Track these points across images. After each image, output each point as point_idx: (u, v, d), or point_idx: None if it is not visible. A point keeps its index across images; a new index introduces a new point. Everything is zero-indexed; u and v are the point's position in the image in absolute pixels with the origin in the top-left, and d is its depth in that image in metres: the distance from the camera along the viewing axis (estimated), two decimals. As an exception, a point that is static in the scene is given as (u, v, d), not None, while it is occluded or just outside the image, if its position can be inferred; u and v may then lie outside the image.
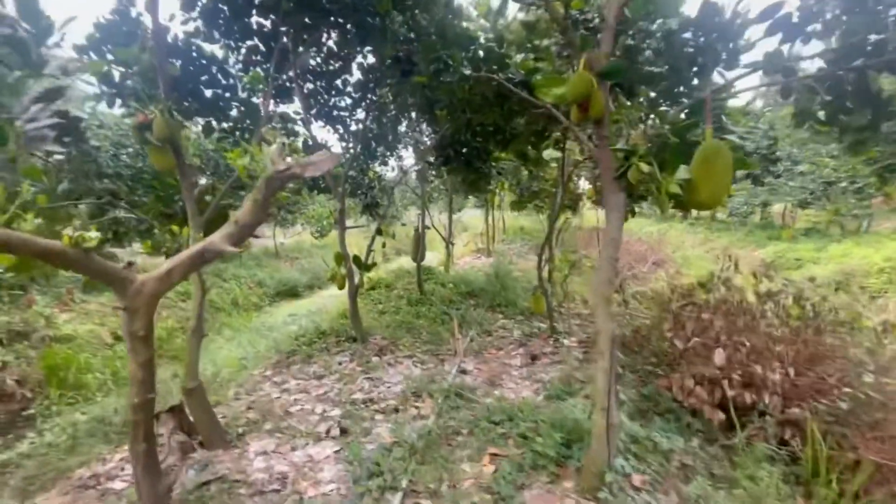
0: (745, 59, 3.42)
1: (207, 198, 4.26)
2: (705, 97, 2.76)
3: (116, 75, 4.04)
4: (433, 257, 15.65)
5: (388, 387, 4.67)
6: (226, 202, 4.49)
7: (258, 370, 5.73)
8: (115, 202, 8.18)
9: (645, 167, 2.56)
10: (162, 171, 3.55)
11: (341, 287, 5.71)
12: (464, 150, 6.37)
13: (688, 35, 3.59)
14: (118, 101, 4.16)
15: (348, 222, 6.72)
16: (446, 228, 11.53)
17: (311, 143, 6.24)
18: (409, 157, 10.56)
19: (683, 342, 3.72)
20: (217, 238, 1.58)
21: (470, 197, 17.31)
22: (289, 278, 13.86)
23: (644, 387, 3.94)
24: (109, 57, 3.98)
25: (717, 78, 3.59)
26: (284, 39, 4.78)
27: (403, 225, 10.40)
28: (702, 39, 3.53)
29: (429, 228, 7.99)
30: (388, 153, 8.87)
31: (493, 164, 6.47)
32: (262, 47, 5.20)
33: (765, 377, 3.33)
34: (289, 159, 1.58)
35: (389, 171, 10.08)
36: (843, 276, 9.96)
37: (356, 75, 6.55)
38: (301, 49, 5.05)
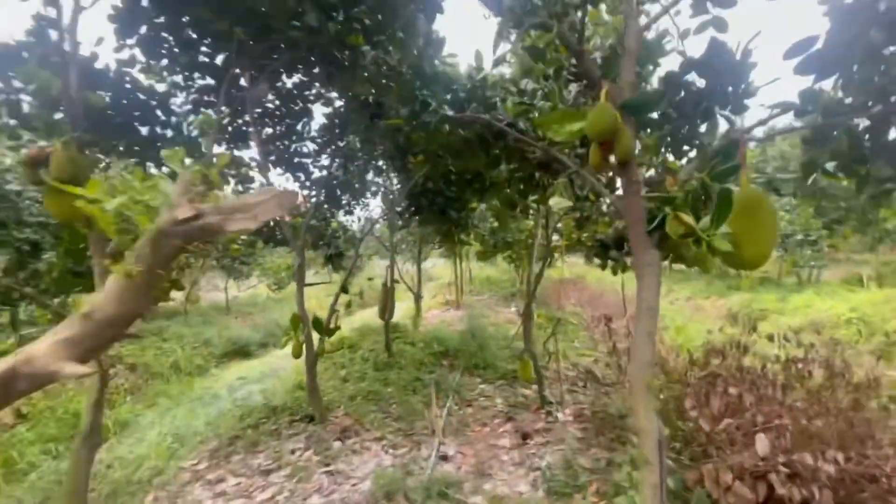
0: (757, 100, 3.12)
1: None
2: (740, 138, 2.35)
3: (25, 107, 3.30)
4: (400, 309, 14.76)
5: (354, 484, 3.75)
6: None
7: (190, 461, 4.62)
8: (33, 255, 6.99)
9: (687, 218, 2.05)
10: (62, 220, 2.73)
11: (297, 355, 4.83)
12: (437, 199, 5.86)
13: (690, 77, 3.28)
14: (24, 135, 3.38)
15: (310, 276, 5.95)
16: (414, 280, 10.83)
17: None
18: (377, 205, 9.95)
19: (710, 423, 3.12)
20: (43, 352, 0.82)
21: (437, 246, 16.83)
22: (239, 336, 12.56)
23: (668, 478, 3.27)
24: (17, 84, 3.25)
25: (723, 122, 3.26)
26: (237, 71, 4.18)
27: (370, 279, 9.57)
28: (707, 81, 3.22)
29: (398, 282, 7.28)
30: (354, 201, 8.26)
31: (469, 213, 5.96)
32: (214, 84, 4.58)
33: (816, 468, 2.75)
34: (204, 206, 0.90)
35: (355, 221, 9.44)
36: (812, 326, 9.94)
37: (319, 119, 6.04)
38: (256, 83, 4.45)
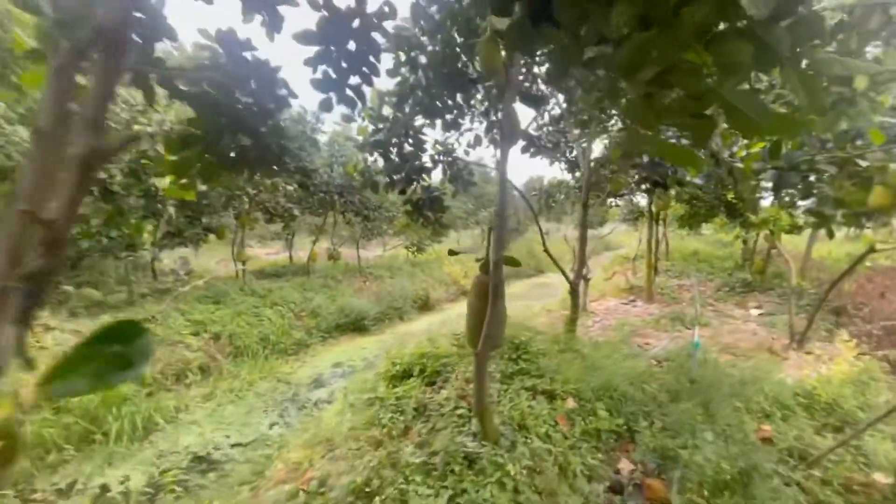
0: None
1: None
2: None
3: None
4: (549, 290, 10.27)
5: None
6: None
7: None
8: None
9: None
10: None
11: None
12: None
13: None
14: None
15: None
16: (576, 253, 6.23)
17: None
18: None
19: None
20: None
21: (616, 202, 11.49)
22: (354, 307, 10.00)
23: None
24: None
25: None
26: None
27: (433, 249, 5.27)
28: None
29: (506, 263, 2.91)
30: (461, 99, 4.07)
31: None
32: None
33: None
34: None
35: (461, 143, 5.32)
36: None
37: None
38: None
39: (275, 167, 2.79)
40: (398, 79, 3.31)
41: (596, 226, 18.85)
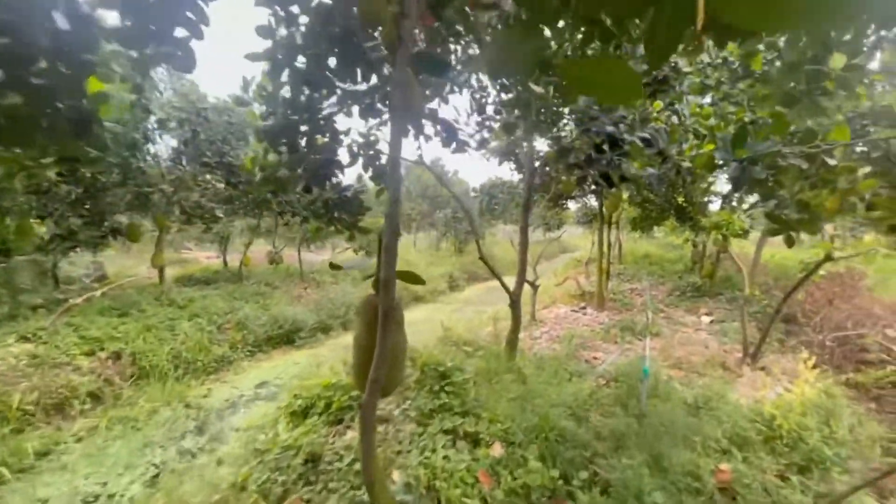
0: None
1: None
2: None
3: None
4: (490, 295, 9.70)
5: None
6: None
7: None
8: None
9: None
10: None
11: None
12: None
13: None
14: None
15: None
16: (519, 257, 5.60)
17: None
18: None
19: None
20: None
21: (566, 205, 11.15)
22: (288, 316, 9.01)
23: None
24: None
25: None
26: None
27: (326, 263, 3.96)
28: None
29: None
30: (372, 80, 3.34)
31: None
32: None
33: None
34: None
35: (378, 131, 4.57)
36: None
37: None
38: None
39: (78, 141, 1.96)
40: (269, 41, 2.53)
41: (554, 228, 18.67)
